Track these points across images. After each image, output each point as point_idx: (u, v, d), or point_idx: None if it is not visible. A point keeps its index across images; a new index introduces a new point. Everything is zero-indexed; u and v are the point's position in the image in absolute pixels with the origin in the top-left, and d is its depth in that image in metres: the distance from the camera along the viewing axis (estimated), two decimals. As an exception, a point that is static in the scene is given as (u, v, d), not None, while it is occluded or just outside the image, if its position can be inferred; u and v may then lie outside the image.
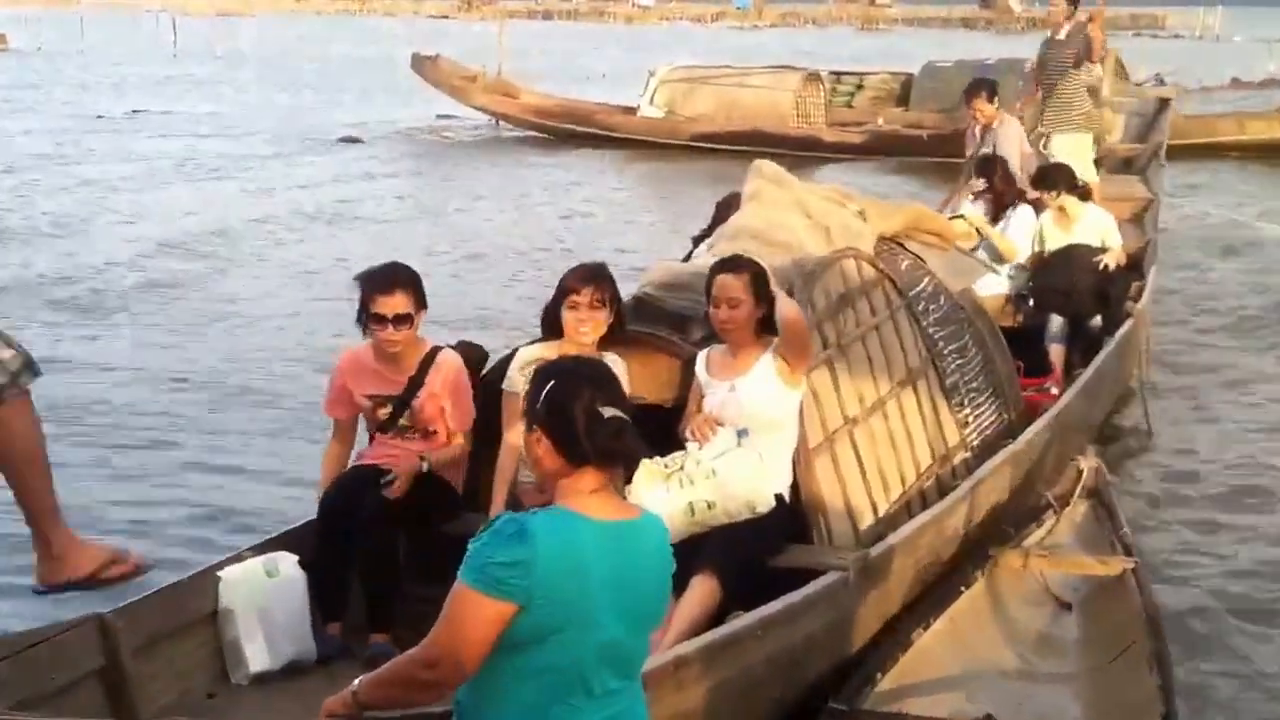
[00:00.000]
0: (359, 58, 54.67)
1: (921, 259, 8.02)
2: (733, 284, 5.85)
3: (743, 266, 5.93)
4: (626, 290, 6.80)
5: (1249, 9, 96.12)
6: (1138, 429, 9.91)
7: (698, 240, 7.99)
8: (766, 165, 7.75)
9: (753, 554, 5.56)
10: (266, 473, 9.09)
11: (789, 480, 5.82)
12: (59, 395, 9.92)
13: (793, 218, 7.31)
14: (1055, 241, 10.20)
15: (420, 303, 6.04)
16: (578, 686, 3.30)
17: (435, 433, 6.07)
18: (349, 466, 6.19)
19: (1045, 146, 12.62)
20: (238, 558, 5.64)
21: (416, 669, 3.29)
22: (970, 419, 7.37)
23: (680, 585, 5.27)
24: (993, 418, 7.62)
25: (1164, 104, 18.88)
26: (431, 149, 28.18)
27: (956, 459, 7.08)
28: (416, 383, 6.06)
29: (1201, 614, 7.03)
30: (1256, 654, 6.69)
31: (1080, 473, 7.18)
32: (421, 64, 30.46)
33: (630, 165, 25.65)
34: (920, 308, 7.39)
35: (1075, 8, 13.00)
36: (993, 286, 9.93)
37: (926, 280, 7.69)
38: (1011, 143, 11.80)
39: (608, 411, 3.38)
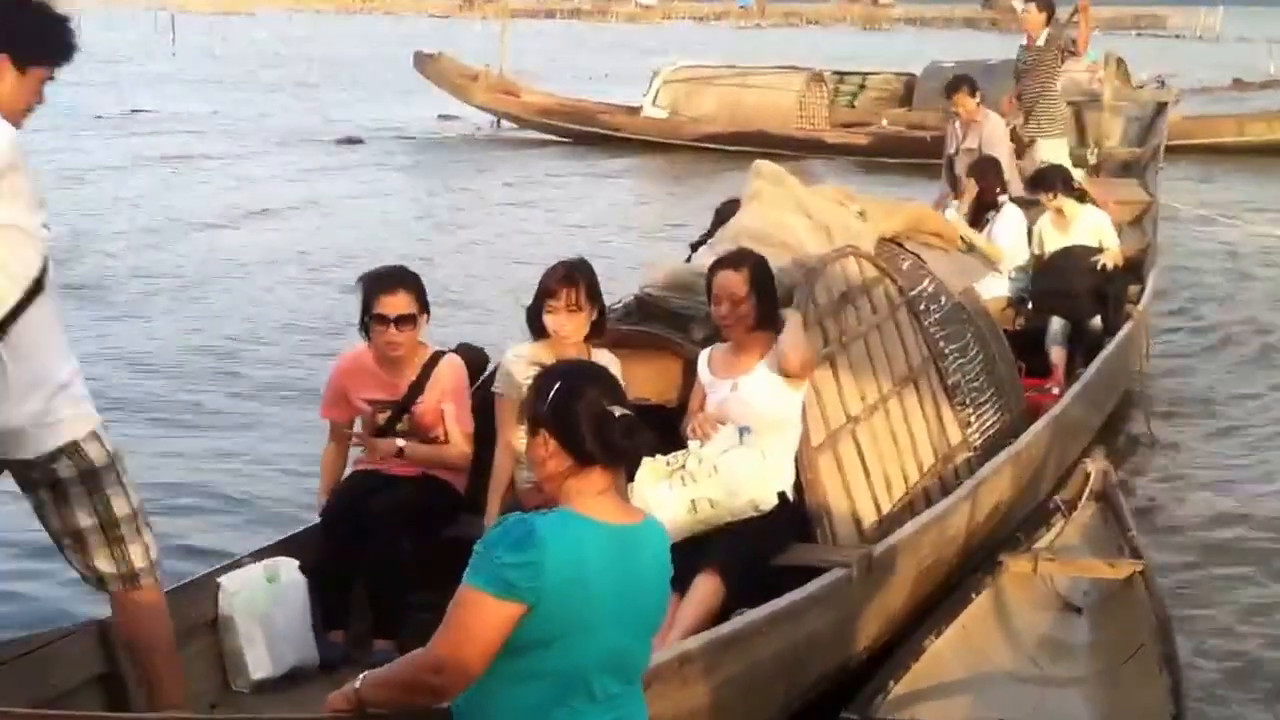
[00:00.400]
0: (360, 57, 54.65)
1: (922, 259, 8.03)
2: (734, 279, 5.86)
3: (743, 262, 5.94)
4: (628, 290, 6.81)
5: (1250, 9, 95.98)
6: (1140, 431, 9.89)
7: (695, 246, 7.96)
8: (766, 166, 7.75)
9: (756, 552, 5.56)
10: (272, 466, 9.12)
11: (792, 479, 5.82)
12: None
13: (793, 218, 7.31)
14: (1054, 243, 10.22)
15: (423, 306, 6.02)
16: (579, 690, 3.29)
17: (436, 439, 6.05)
18: (348, 471, 6.17)
19: (1030, 150, 12.63)
20: (238, 564, 5.61)
21: (422, 673, 3.28)
22: (972, 418, 7.37)
23: (684, 584, 5.29)
24: (994, 418, 7.62)
25: (1162, 107, 18.87)
26: (433, 149, 28.17)
27: (959, 458, 7.08)
28: (417, 388, 6.03)
29: (1211, 616, 7.02)
30: (1267, 656, 6.66)
31: (1088, 476, 7.17)
32: (424, 62, 30.42)
33: (633, 165, 25.64)
34: (921, 307, 7.39)
35: (1050, 14, 13.05)
36: (993, 289, 9.93)
37: (927, 280, 7.69)
38: (1002, 140, 11.78)
39: (617, 411, 3.38)
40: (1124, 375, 10.11)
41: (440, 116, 31.77)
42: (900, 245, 8.06)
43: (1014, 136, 12.50)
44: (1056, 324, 9.89)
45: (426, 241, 17.52)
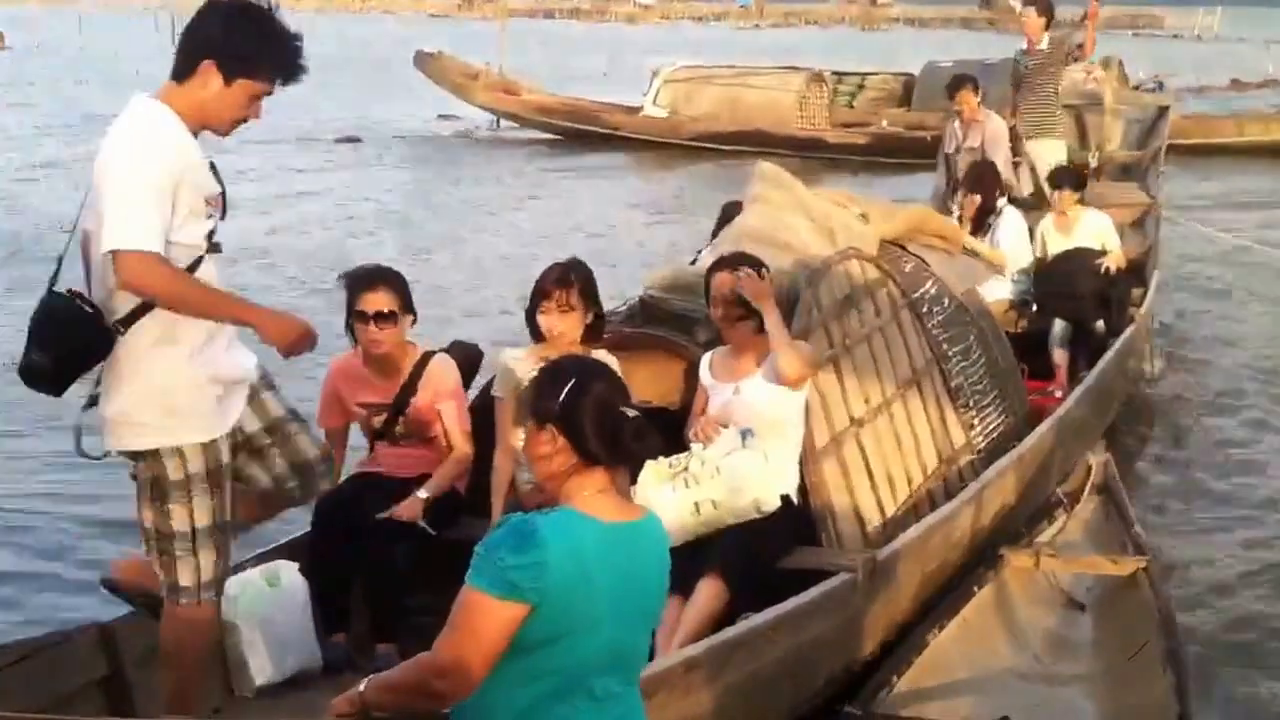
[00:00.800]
0: (359, 56, 54.56)
1: (924, 261, 8.01)
2: (731, 281, 5.85)
3: (739, 263, 5.93)
4: (631, 292, 6.79)
5: (1248, 9, 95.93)
6: (1143, 431, 9.92)
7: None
8: (768, 167, 7.74)
9: (759, 555, 5.55)
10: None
11: (796, 481, 5.82)
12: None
13: (796, 219, 7.30)
14: (1056, 245, 10.23)
15: (405, 306, 5.96)
16: (580, 689, 3.28)
17: (435, 438, 6.02)
18: (348, 474, 6.14)
19: (1027, 151, 12.61)
20: (239, 568, 5.52)
21: (427, 677, 3.25)
22: (976, 421, 7.36)
23: (687, 586, 5.29)
24: (998, 420, 7.60)
25: (1164, 111, 18.87)
26: (432, 148, 28.17)
27: (962, 461, 7.07)
28: (409, 389, 6.01)
29: (1216, 612, 7.01)
30: (1271, 652, 6.67)
31: (1089, 469, 7.14)
32: (424, 61, 30.42)
33: (633, 165, 25.65)
34: (924, 309, 7.38)
35: (1050, 18, 13.03)
36: (996, 291, 9.90)
37: (930, 282, 7.68)
38: (1003, 142, 11.75)
39: (630, 412, 3.36)
40: (1127, 377, 10.11)
41: (440, 116, 31.76)
42: (902, 247, 8.03)
43: (1013, 135, 12.47)
44: (1059, 326, 9.90)
45: (425, 240, 17.52)
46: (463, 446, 6.02)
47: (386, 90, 38.68)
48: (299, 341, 4.52)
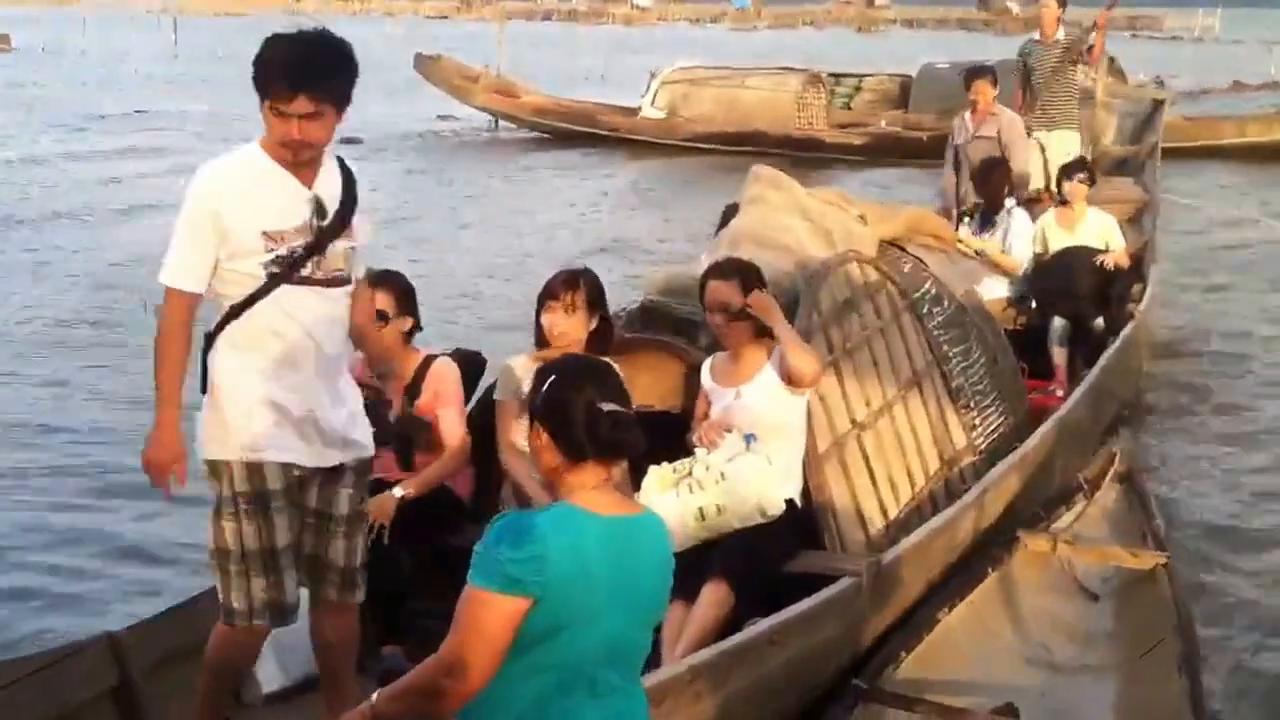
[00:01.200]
0: (358, 57, 54.67)
1: (923, 262, 8.01)
2: (724, 289, 5.85)
3: (733, 271, 5.93)
4: (630, 297, 6.79)
5: (1249, 10, 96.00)
6: (1144, 428, 9.90)
7: None
8: (764, 170, 7.75)
9: (765, 559, 5.55)
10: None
11: (799, 485, 5.82)
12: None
13: (793, 221, 7.30)
14: (1058, 242, 10.14)
15: (404, 309, 5.96)
16: (581, 683, 3.30)
17: (438, 443, 6.01)
18: None
19: (1043, 145, 12.55)
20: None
21: (437, 677, 3.26)
22: (977, 422, 7.35)
23: (692, 591, 5.29)
24: (999, 420, 7.60)
25: (1159, 104, 18.85)
26: (431, 149, 28.16)
27: (964, 462, 7.07)
28: (413, 393, 6.00)
29: (1234, 612, 6.94)
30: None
31: (1113, 456, 7.06)
32: (424, 63, 30.44)
33: (631, 166, 25.62)
34: (924, 310, 7.38)
35: (1064, 8, 12.99)
36: (994, 289, 9.88)
37: (929, 283, 7.67)
38: (1022, 134, 11.64)
39: (608, 406, 3.38)
40: (1128, 375, 10.09)
41: (439, 116, 31.76)
42: (900, 248, 8.04)
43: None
44: (1058, 324, 9.85)
45: (424, 240, 17.49)
46: (454, 446, 5.98)
47: (385, 92, 38.68)
48: (152, 468, 4.59)
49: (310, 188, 4.58)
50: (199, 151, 25.95)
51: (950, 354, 7.39)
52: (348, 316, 4.73)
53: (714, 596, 5.32)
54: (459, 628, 3.22)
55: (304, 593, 5.46)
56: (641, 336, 6.32)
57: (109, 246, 17.06)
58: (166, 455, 4.58)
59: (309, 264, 4.56)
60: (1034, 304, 10.10)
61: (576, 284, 5.80)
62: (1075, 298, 9.90)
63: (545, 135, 29.09)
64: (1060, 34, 12.85)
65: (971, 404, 7.39)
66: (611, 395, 3.43)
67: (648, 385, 6.07)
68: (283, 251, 4.52)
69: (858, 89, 29.48)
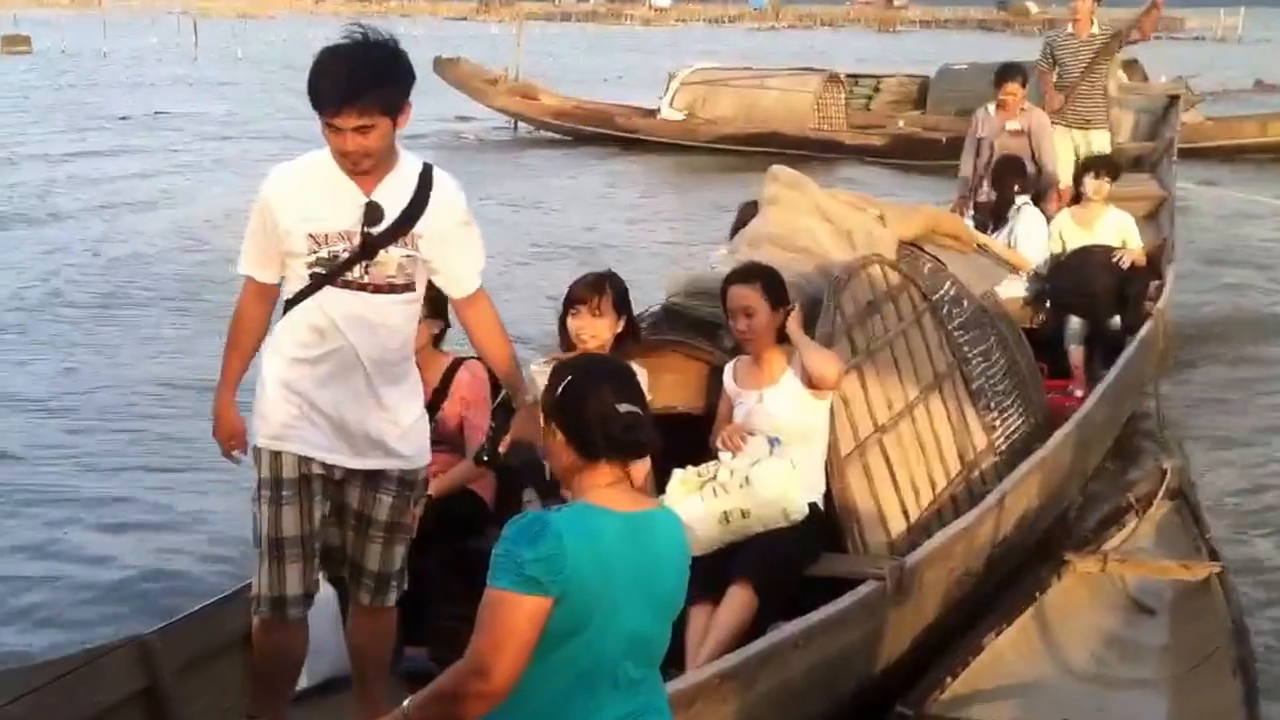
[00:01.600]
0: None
1: (942, 262, 8.00)
2: (746, 294, 5.85)
3: (754, 275, 5.93)
4: (656, 297, 6.80)
5: (1272, 10, 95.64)
6: (1152, 431, 9.80)
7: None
8: (783, 171, 7.72)
9: (789, 563, 5.55)
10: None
11: (822, 488, 5.82)
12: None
13: (813, 222, 7.28)
14: (1076, 240, 10.09)
15: (434, 311, 5.90)
16: (605, 678, 3.32)
17: (464, 445, 6.01)
18: None
19: (1078, 144, 12.45)
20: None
21: (466, 682, 3.27)
22: (997, 423, 7.34)
23: (716, 594, 5.31)
24: (1018, 422, 7.59)
25: (1174, 101, 18.78)
26: (451, 151, 28.18)
27: (984, 464, 7.05)
28: (440, 395, 6.00)
29: None
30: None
31: (1164, 474, 6.99)
32: (444, 66, 30.49)
33: (650, 167, 25.66)
34: (944, 311, 7.36)
35: (1098, 3, 12.83)
36: (1010, 288, 9.82)
37: (949, 284, 7.66)
38: (1050, 136, 11.54)
39: (623, 407, 3.40)
40: (1145, 375, 10.04)
41: (458, 118, 31.82)
42: (919, 249, 8.04)
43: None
44: (1075, 323, 9.81)
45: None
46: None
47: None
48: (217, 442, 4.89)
49: (369, 193, 4.59)
50: (220, 152, 26.19)
51: (970, 355, 7.38)
52: (407, 325, 4.77)
53: (738, 600, 5.32)
54: (483, 630, 3.24)
55: (332, 593, 5.51)
56: (664, 338, 6.32)
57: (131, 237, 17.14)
58: (219, 433, 4.86)
59: (356, 268, 4.60)
60: (1051, 303, 10.05)
61: (602, 288, 5.79)
62: (1092, 297, 9.86)
63: (564, 137, 29.15)
64: (1095, 28, 12.68)
65: (992, 405, 7.38)
66: (627, 395, 3.45)
67: (670, 386, 6.08)
68: (324, 254, 4.57)
69: (876, 89, 29.49)
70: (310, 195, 4.59)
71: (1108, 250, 9.99)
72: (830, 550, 5.76)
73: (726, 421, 5.89)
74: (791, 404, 5.77)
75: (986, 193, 10.81)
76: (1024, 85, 11.53)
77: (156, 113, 33.87)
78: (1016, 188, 10.57)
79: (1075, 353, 9.71)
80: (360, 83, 4.42)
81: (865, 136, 26.19)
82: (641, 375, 5.61)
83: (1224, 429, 10.14)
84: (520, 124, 30.60)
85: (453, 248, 4.75)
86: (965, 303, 7.65)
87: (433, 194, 4.70)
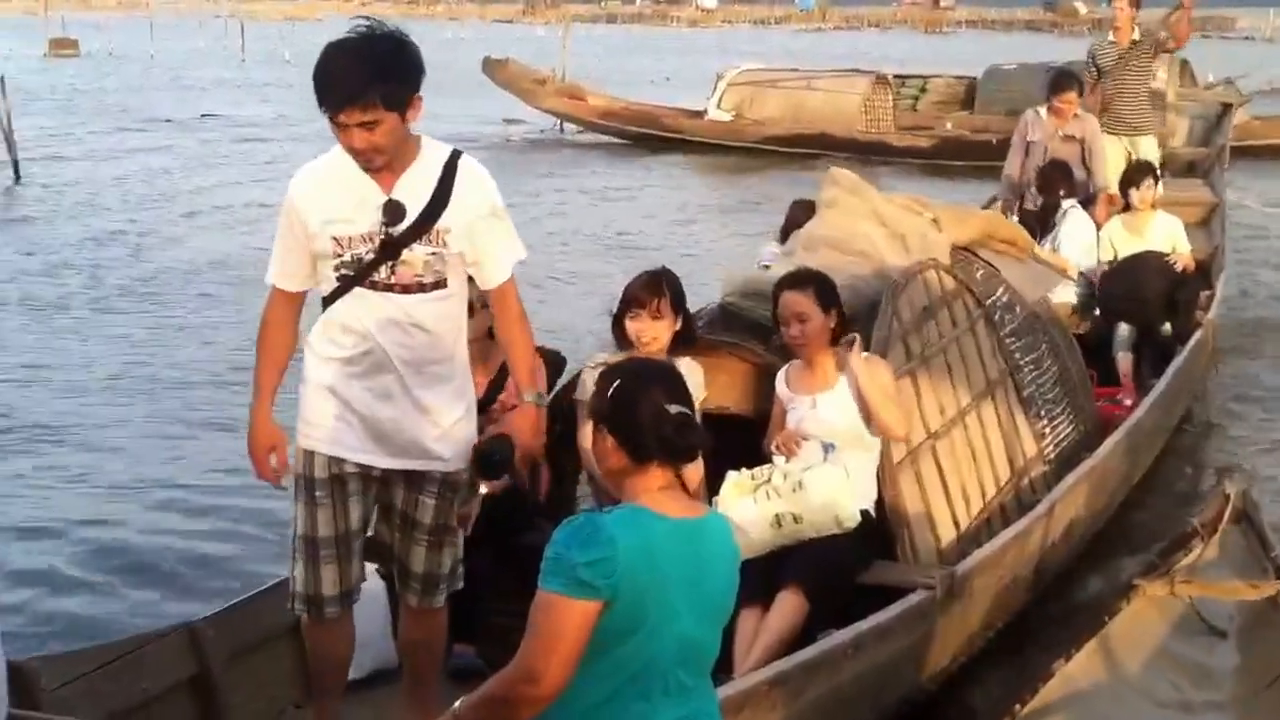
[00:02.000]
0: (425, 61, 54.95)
1: (995, 268, 7.97)
2: (799, 299, 5.83)
3: (807, 280, 5.92)
4: (705, 297, 6.79)
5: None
6: (1221, 439, 9.80)
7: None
8: (842, 173, 7.70)
9: (840, 571, 5.54)
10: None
11: (874, 495, 5.80)
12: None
13: (870, 226, 7.27)
14: (1127, 248, 10.04)
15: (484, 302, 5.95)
16: (655, 683, 3.31)
17: None
18: None
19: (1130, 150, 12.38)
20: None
21: (516, 685, 3.28)
22: (1047, 431, 7.31)
23: (766, 599, 5.30)
24: (1068, 429, 7.56)
25: (1227, 108, 18.66)
26: (500, 152, 28.25)
27: (1034, 472, 7.03)
28: (497, 387, 5.99)
29: None
30: None
31: (1227, 498, 6.96)
32: (493, 67, 30.62)
33: (698, 168, 25.67)
34: (997, 318, 7.33)
35: (1138, 9, 12.78)
36: (1059, 294, 9.77)
37: (1002, 290, 7.63)
38: (1102, 144, 11.41)
39: (673, 409, 3.40)
40: (1194, 383, 9.98)
41: (505, 120, 31.91)
42: (973, 254, 8.01)
43: None
44: (1124, 330, 9.74)
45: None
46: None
47: (452, 95, 38.84)
48: (250, 457, 4.78)
49: (389, 191, 4.51)
50: (267, 153, 26.34)
51: (1022, 362, 7.35)
52: (440, 323, 4.66)
53: (789, 606, 5.31)
54: (533, 633, 3.24)
55: (381, 586, 5.50)
56: (717, 338, 6.32)
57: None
58: (252, 443, 4.74)
59: (382, 269, 4.53)
60: (1101, 309, 9.98)
61: (660, 288, 5.78)
62: (1144, 302, 9.78)
63: (611, 138, 29.19)
64: (1136, 35, 12.62)
65: (1042, 413, 7.34)
66: (677, 397, 3.45)
67: (723, 387, 6.07)
68: (348, 257, 4.53)
69: (923, 90, 29.42)
70: (332, 195, 4.54)
71: (1159, 255, 9.93)
72: (880, 557, 5.75)
73: (780, 426, 5.88)
74: (846, 411, 5.76)
75: (1034, 198, 10.76)
76: (1080, 94, 11.46)
77: (203, 115, 34.06)
78: (1062, 193, 10.52)
79: (1124, 360, 9.63)
80: (362, 79, 4.33)
81: (914, 138, 26.11)
82: (697, 372, 5.65)
83: (1259, 435, 10.06)
84: (567, 125, 30.66)
85: (482, 240, 4.64)
86: (1018, 309, 7.62)
87: (457, 186, 4.57)
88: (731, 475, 5.50)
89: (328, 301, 4.62)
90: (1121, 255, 10.03)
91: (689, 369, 5.58)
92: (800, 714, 4.78)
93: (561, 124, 30.71)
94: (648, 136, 28.20)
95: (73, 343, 12.61)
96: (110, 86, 43.13)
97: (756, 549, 5.35)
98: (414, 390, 4.65)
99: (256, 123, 32.37)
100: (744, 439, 5.84)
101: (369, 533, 4.91)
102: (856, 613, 5.29)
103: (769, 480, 5.55)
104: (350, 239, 4.51)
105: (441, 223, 4.54)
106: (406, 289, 4.56)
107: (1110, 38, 12.73)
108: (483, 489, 5.65)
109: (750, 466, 5.65)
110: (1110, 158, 11.52)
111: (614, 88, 33.40)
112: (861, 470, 5.74)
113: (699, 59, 50.87)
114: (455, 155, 4.63)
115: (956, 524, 6.20)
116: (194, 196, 21.58)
